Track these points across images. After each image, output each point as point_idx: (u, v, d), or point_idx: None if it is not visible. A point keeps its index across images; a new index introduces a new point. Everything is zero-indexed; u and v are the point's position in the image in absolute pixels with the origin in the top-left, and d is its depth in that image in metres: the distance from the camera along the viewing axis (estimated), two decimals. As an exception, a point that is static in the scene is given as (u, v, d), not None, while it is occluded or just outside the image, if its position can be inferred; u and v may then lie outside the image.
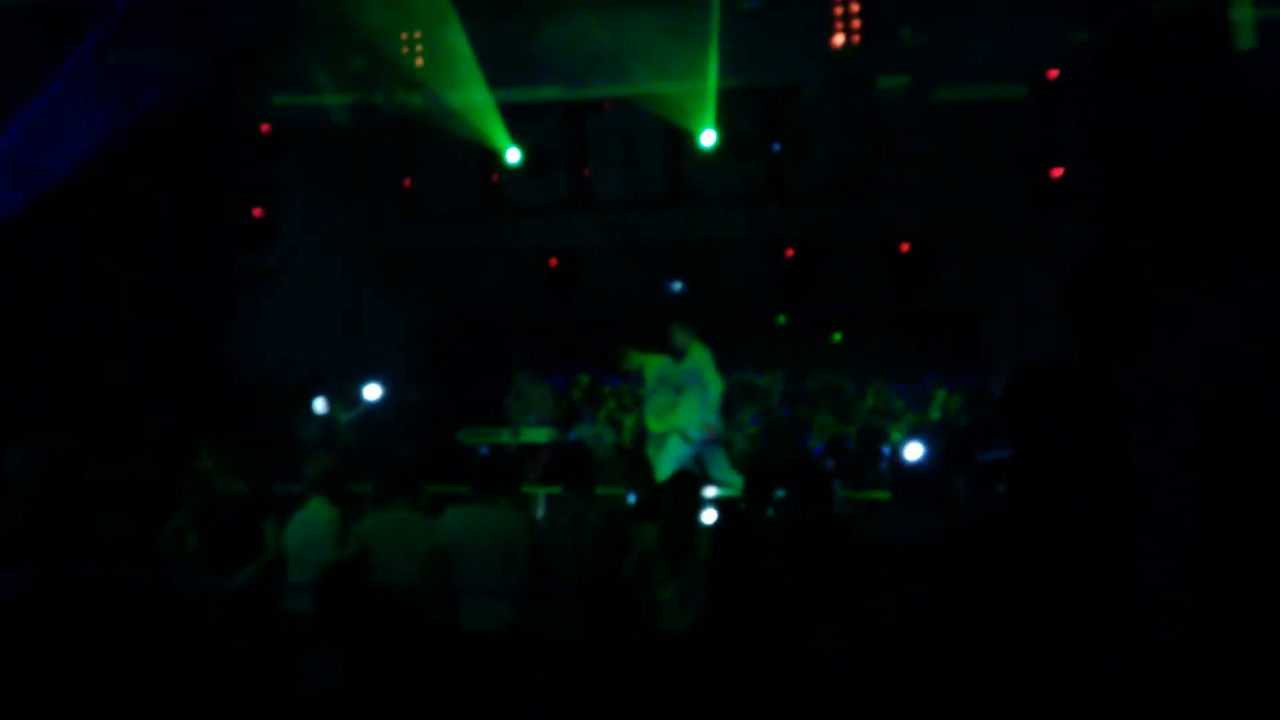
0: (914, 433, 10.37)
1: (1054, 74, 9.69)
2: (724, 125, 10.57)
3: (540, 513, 7.75)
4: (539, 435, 10.41)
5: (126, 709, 3.68)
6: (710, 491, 8.33)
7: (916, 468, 5.69)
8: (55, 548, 5.79)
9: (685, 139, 10.93)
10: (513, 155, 10.77)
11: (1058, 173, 9.86)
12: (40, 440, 7.81)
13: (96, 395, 10.53)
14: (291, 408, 10.84)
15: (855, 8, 10.11)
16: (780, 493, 6.17)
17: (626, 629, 3.63)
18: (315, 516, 6.04)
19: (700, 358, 9.08)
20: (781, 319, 14.12)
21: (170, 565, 5.97)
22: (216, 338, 12.06)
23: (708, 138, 10.52)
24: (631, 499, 7.64)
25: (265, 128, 11.10)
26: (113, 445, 7.67)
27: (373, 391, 11.29)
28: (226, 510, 6.01)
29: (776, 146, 11.51)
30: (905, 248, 11.71)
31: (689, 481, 5.69)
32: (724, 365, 13.16)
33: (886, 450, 10.93)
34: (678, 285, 12.87)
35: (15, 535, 5.90)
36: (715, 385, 9.05)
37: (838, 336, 14.49)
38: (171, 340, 11.53)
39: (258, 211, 11.38)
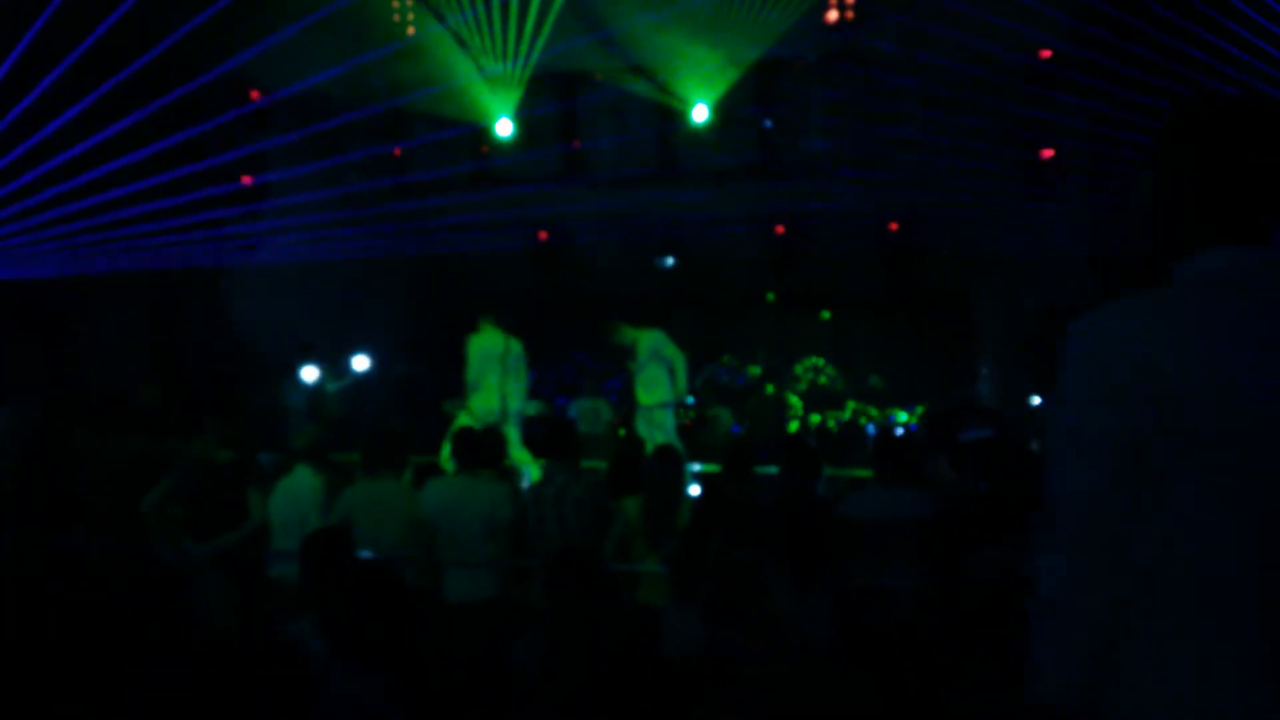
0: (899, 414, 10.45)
1: (1047, 54, 9.68)
2: (716, 101, 10.52)
3: (525, 484, 7.77)
4: (528, 408, 10.41)
5: (106, 676, 3.69)
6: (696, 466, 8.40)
7: (902, 447, 5.73)
8: (41, 515, 5.80)
9: (677, 114, 10.89)
10: (503, 127, 10.70)
11: (1049, 154, 9.86)
12: (25, 407, 7.80)
13: (85, 364, 10.52)
14: (278, 377, 10.84)
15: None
16: (769, 469, 6.22)
17: (589, 601, 3.66)
18: (300, 485, 6.06)
19: (654, 337, 9.26)
20: (770, 296, 14.15)
21: (154, 533, 5.98)
22: (204, 308, 12.03)
23: (699, 113, 10.48)
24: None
25: (255, 94, 11.03)
26: (101, 414, 7.66)
27: (361, 362, 11.28)
28: (211, 478, 6.02)
29: (768, 123, 11.49)
30: (894, 226, 11.72)
31: (672, 456, 5.71)
32: (712, 341, 13.22)
33: (871, 429, 11.00)
34: (668, 261, 12.87)
35: (2, 502, 5.91)
36: (679, 357, 9.26)
37: (826, 314, 14.53)
38: (161, 309, 11.51)
39: (247, 179, 11.32)
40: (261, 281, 11.82)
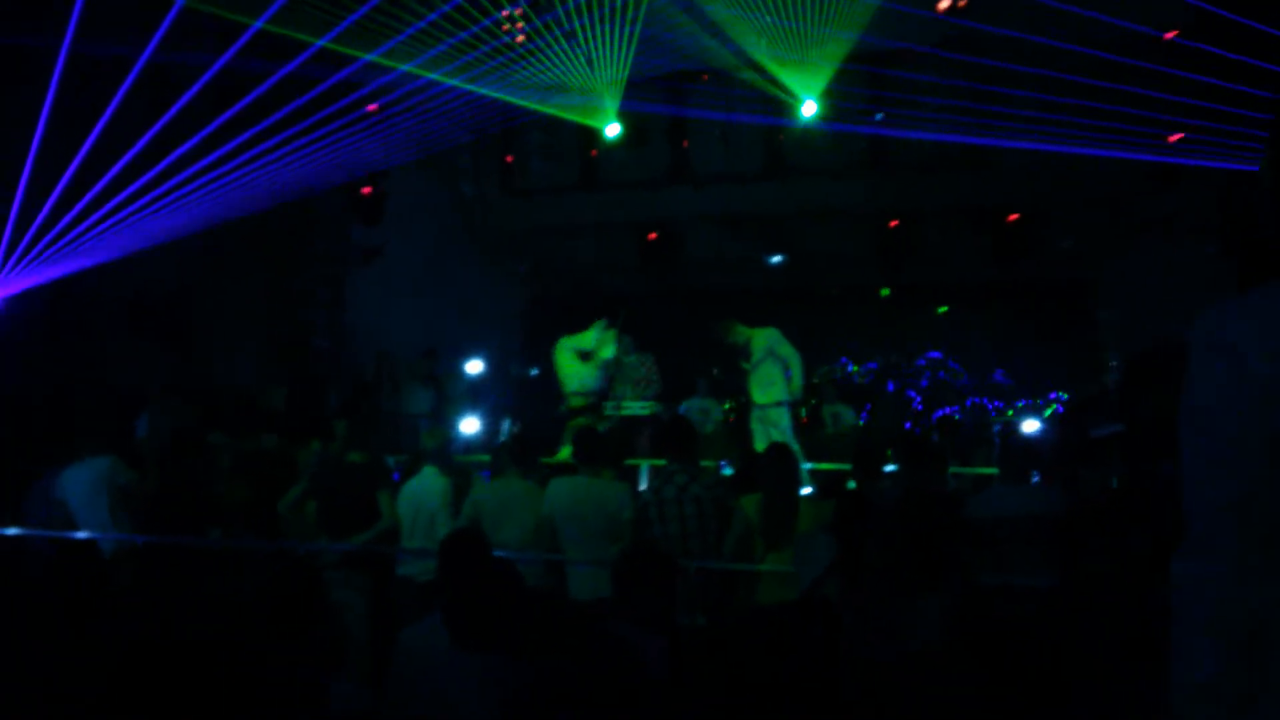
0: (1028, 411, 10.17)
1: (1171, 35, 9.28)
2: (824, 95, 10.38)
3: (643, 485, 7.82)
4: (643, 408, 10.48)
5: (245, 674, 3.84)
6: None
7: (1030, 443, 5.59)
8: (183, 515, 6.10)
9: (786, 109, 10.79)
10: (612, 130, 10.77)
11: (1176, 138, 9.46)
12: (165, 413, 8.20)
13: (220, 370, 10.98)
14: (400, 382, 11.13)
15: (961, -30, 9.83)
16: (890, 467, 6.14)
17: (662, 600, 3.70)
18: (428, 485, 6.22)
19: (769, 335, 9.18)
20: (885, 291, 13.92)
21: (289, 532, 6.22)
22: (330, 312, 12.44)
23: (808, 108, 10.36)
24: (727, 470, 7.66)
25: (372, 108, 11.35)
26: (237, 417, 7.98)
27: (475, 367, 11.52)
28: (344, 479, 6.23)
29: (879, 116, 11.32)
30: (1014, 218, 11.41)
31: (787, 455, 5.67)
32: (824, 340, 13.07)
33: (997, 428, 10.73)
34: (777, 258, 12.78)
35: (149, 502, 6.23)
36: (794, 356, 9.20)
37: (943, 309, 14.21)
38: (289, 316, 11.94)
39: (366, 190, 11.66)
40: (381, 285, 12.17)
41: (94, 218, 7.40)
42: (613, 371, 10.49)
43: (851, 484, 6.01)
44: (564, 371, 10.08)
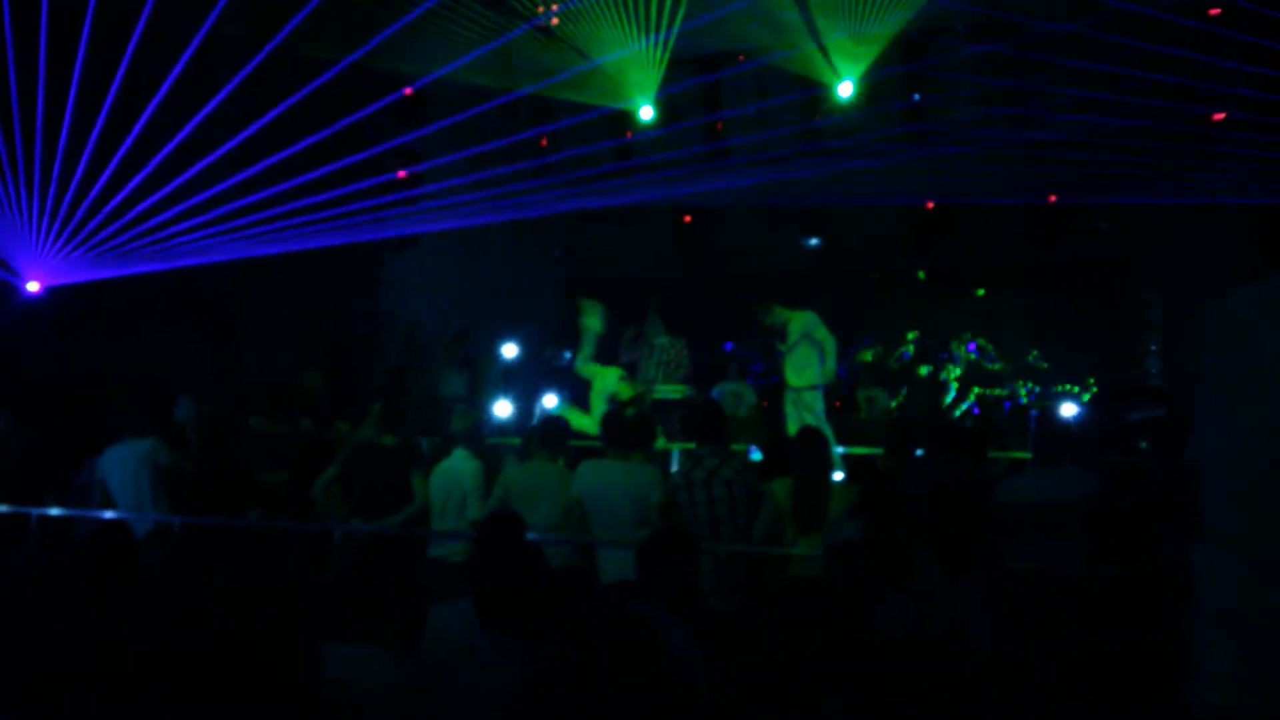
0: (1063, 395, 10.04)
1: (1216, 11, 9.06)
2: (862, 76, 10.27)
3: (674, 468, 7.84)
4: (674, 391, 10.48)
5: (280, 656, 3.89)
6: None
7: (1066, 429, 5.52)
8: (221, 496, 6.20)
9: (822, 90, 10.70)
10: (645, 112, 10.73)
11: (1219, 117, 9.25)
12: (204, 395, 8.32)
13: (258, 354, 11.12)
14: (433, 365, 11.20)
15: (1002, -52, 9.66)
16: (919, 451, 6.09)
17: (688, 580, 3.71)
18: (458, 468, 6.27)
19: (806, 319, 9.14)
20: (921, 274, 13.78)
21: (323, 513, 6.30)
22: (366, 296, 12.53)
23: (845, 88, 10.25)
24: (755, 454, 7.64)
25: (408, 91, 11.39)
26: (271, 401, 8.08)
27: (509, 350, 11.56)
28: (376, 462, 6.29)
29: (917, 96, 11.18)
30: (1053, 199, 11.24)
31: (819, 438, 5.64)
32: (860, 322, 12.98)
33: (1033, 413, 10.61)
34: (813, 241, 12.69)
35: (188, 482, 6.34)
36: (829, 340, 9.18)
37: (981, 291, 14.05)
38: (324, 299, 12.05)
39: (402, 174, 11.71)
40: (417, 272, 12.24)
41: (143, 226, 7.54)
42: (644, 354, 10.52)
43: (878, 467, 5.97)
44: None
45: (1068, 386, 11.80)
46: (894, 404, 11.87)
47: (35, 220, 7.14)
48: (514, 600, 3.48)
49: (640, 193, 12.44)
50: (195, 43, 7.11)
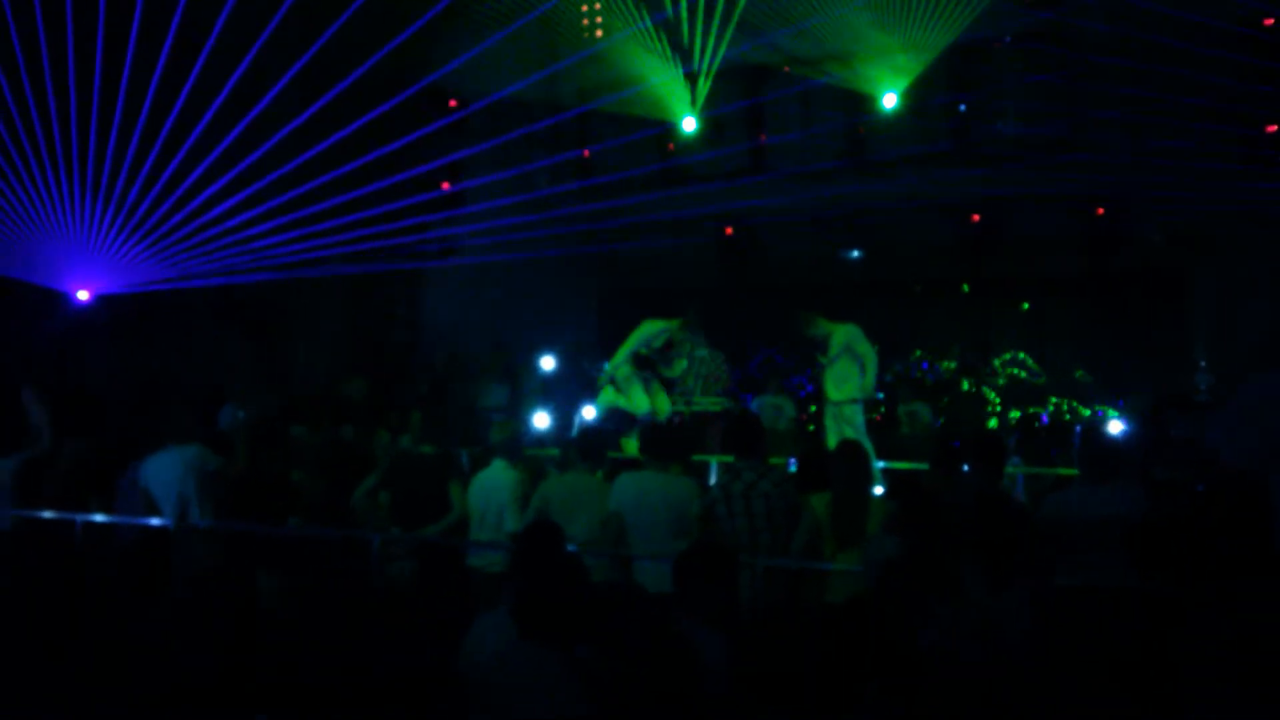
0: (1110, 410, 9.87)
1: (1270, 21, 8.89)
2: (907, 86, 10.19)
3: (713, 481, 7.79)
4: (713, 404, 10.45)
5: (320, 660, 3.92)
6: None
7: (1112, 444, 5.42)
8: (264, 503, 6.24)
9: (867, 102, 10.64)
10: (689, 124, 10.73)
11: (1273, 128, 9.07)
12: (249, 403, 8.41)
13: (302, 362, 11.25)
14: (474, 376, 11.25)
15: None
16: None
17: (725, 594, 3.68)
18: (497, 478, 6.27)
19: (848, 332, 9.07)
20: (966, 286, 13.63)
21: (363, 522, 6.33)
22: (407, 307, 12.63)
23: (889, 100, 10.19)
24: (792, 467, 7.58)
25: (452, 103, 11.49)
26: (315, 409, 8.15)
27: (548, 362, 11.59)
28: (416, 471, 6.32)
29: (963, 106, 11.09)
30: (1101, 211, 11.08)
31: (860, 453, 5.58)
32: (905, 336, 12.85)
33: (1078, 428, 10.45)
34: (855, 253, 12.60)
35: (232, 489, 6.38)
36: (870, 354, 9.11)
37: (1025, 305, 13.86)
38: (367, 309, 12.17)
39: (445, 185, 11.80)
40: (459, 284, 12.31)
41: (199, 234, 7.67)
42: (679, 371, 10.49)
43: (916, 483, 5.89)
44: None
45: (1107, 408, 11.58)
46: (936, 420, 11.72)
47: (86, 229, 7.28)
48: (553, 611, 3.46)
49: (684, 207, 12.45)
50: (248, 57, 7.23)
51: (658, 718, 3.26)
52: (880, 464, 8.44)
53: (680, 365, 10.56)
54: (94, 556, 5.55)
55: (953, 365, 12.76)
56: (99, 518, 5.86)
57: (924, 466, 6.27)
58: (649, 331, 10.12)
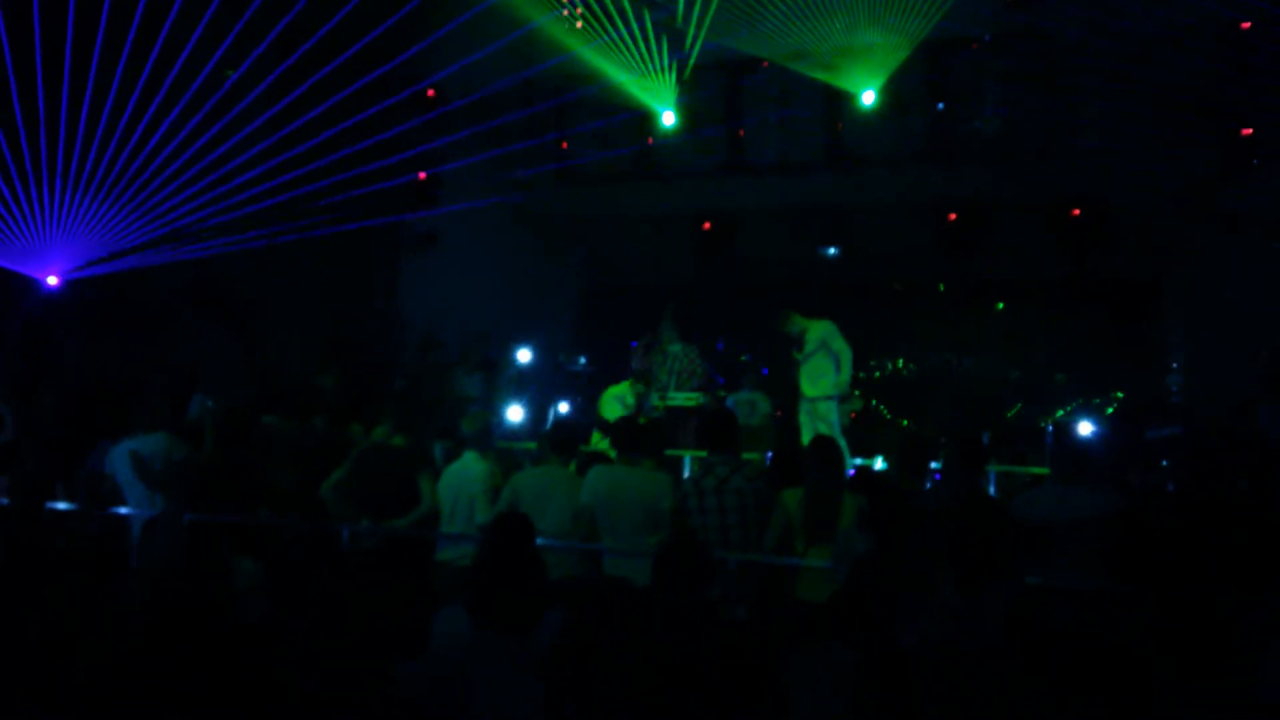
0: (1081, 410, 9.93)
1: (1247, 26, 8.94)
2: (886, 84, 10.18)
3: (686, 475, 7.77)
4: (687, 399, 10.42)
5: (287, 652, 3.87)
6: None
7: (1084, 445, 5.43)
8: (232, 492, 6.16)
9: (845, 98, 10.63)
10: (668, 118, 10.69)
11: (1248, 132, 9.12)
12: (218, 391, 8.32)
13: (276, 353, 11.13)
14: (449, 367, 11.18)
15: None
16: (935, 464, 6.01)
17: (697, 589, 3.65)
18: (468, 470, 6.21)
19: (824, 328, 9.07)
20: (942, 286, 13.66)
21: (332, 513, 6.26)
22: (384, 298, 12.54)
23: (868, 97, 10.18)
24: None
25: (430, 93, 11.39)
26: (288, 399, 8.07)
27: (524, 355, 11.53)
28: (387, 463, 6.25)
29: (941, 105, 11.11)
30: (1077, 213, 11.13)
31: (834, 449, 5.57)
32: (882, 334, 12.87)
33: (1049, 428, 10.50)
34: (832, 251, 12.58)
35: (200, 478, 6.30)
36: (846, 351, 9.10)
37: (1000, 306, 13.92)
38: (343, 300, 12.06)
39: (422, 175, 11.71)
40: (435, 273, 12.23)
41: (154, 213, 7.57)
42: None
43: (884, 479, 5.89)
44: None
45: (1088, 402, 11.65)
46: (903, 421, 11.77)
47: (50, 214, 7.17)
48: (511, 601, 3.44)
49: (661, 199, 12.41)
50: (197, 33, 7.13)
51: (623, 709, 3.24)
52: (857, 461, 8.45)
53: (662, 373, 10.61)
54: (56, 543, 5.47)
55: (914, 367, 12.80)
56: (63, 506, 5.77)
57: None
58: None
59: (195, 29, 7.38)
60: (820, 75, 10.40)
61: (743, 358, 12.03)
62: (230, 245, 8.33)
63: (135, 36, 7.01)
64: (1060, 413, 11.61)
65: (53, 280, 7.82)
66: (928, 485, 5.81)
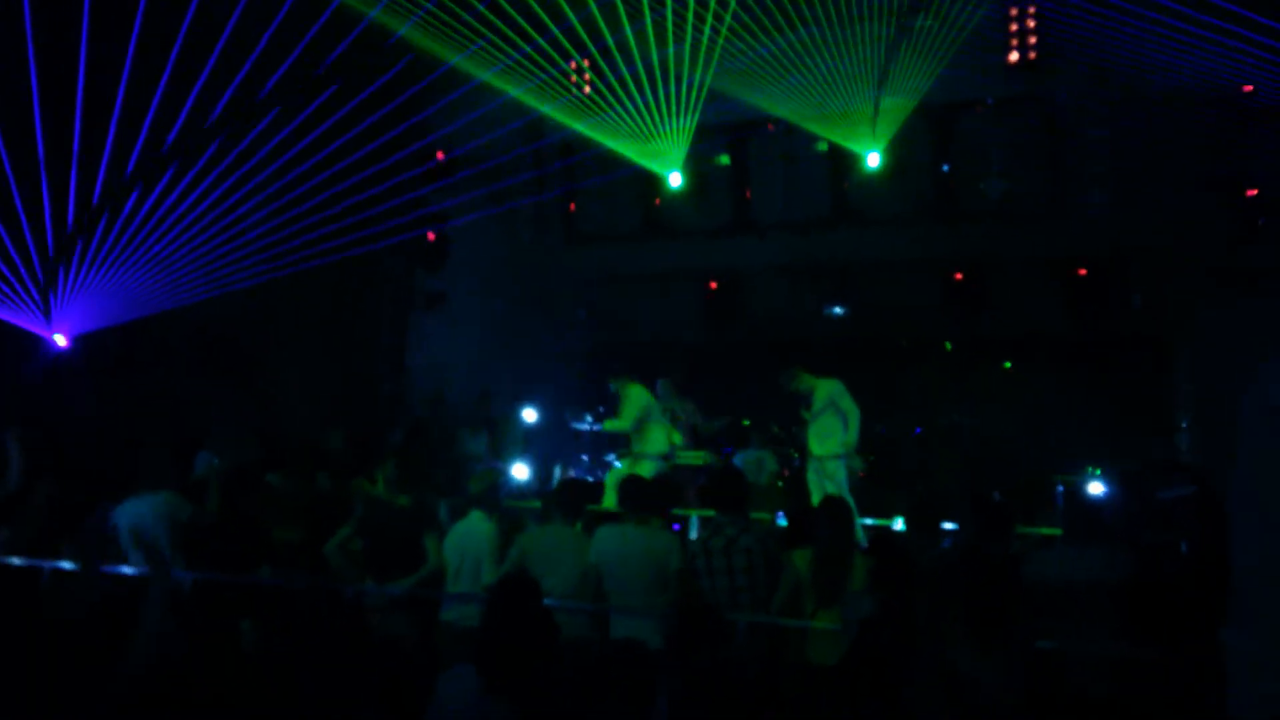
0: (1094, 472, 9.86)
1: (1249, 89, 9.02)
2: (891, 145, 10.27)
3: (693, 535, 7.70)
4: (695, 458, 10.37)
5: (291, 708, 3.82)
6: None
7: (1096, 505, 5.38)
8: (235, 551, 6.12)
9: (850, 159, 10.72)
10: (675, 179, 10.77)
11: (1254, 192, 9.18)
12: (224, 449, 8.31)
13: (284, 410, 11.12)
14: (457, 426, 11.15)
15: (1031, 23, 9.72)
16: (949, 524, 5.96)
17: (710, 650, 3.60)
18: (474, 529, 6.16)
19: (832, 387, 9.03)
20: (948, 345, 13.66)
21: (336, 573, 6.21)
22: (392, 356, 12.57)
23: (874, 159, 10.27)
24: (782, 522, 7.51)
25: (440, 155, 11.52)
26: (294, 457, 8.04)
27: (530, 415, 11.52)
28: (391, 522, 6.21)
29: (946, 166, 11.21)
30: (1083, 272, 11.16)
31: (843, 509, 5.53)
32: (887, 394, 12.85)
33: (1060, 488, 10.42)
34: (838, 310, 12.62)
35: (203, 537, 6.27)
36: (854, 410, 9.02)
37: (1008, 365, 13.89)
38: (351, 358, 12.09)
39: (431, 235, 11.80)
40: (444, 331, 12.27)
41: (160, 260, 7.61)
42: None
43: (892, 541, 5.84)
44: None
45: (1099, 462, 11.56)
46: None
47: (57, 274, 7.21)
48: (520, 666, 3.39)
49: (668, 258, 12.48)
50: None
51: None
52: (866, 520, 8.37)
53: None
54: (60, 602, 5.43)
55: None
56: (67, 565, 5.73)
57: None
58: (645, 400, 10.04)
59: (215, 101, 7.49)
60: (826, 134, 10.50)
61: (744, 421, 11.99)
62: (237, 287, 8.37)
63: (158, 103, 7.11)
64: (1074, 475, 11.52)
65: (61, 340, 7.84)
66: (946, 544, 5.75)
